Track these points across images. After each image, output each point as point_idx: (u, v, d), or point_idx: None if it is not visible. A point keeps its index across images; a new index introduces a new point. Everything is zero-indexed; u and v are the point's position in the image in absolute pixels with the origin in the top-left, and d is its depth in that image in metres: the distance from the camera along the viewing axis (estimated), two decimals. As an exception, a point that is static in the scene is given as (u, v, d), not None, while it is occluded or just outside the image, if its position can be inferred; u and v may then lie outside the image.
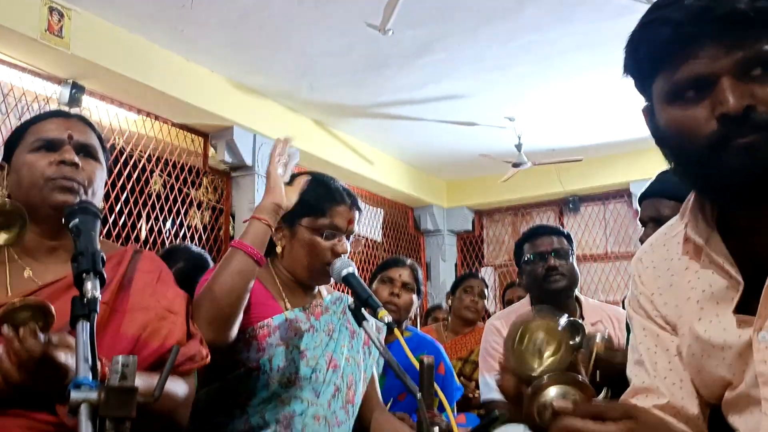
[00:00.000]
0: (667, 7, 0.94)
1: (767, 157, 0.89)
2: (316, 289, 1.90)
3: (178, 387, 1.38)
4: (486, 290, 3.98)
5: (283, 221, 1.76)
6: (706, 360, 1.00)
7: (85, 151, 1.44)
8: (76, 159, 1.40)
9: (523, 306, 2.60)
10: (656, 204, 1.90)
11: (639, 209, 2.01)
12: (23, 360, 1.07)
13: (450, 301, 4.10)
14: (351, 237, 1.83)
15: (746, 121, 0.89)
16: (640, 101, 1.05)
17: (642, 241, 1.82)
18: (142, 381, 1.22)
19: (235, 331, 1.59)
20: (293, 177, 1.79)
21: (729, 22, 0.90)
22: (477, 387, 3.20)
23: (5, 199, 1.35)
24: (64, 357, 1.10)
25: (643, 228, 1.95)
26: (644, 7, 0.98)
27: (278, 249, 1.81)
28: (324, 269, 1.76)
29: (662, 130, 0.99)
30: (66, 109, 4.00)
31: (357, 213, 1.84)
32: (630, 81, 1.05)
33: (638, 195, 2.05)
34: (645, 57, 0.98)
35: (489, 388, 2.45)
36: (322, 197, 1.79)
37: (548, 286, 2.41)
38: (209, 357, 1.47)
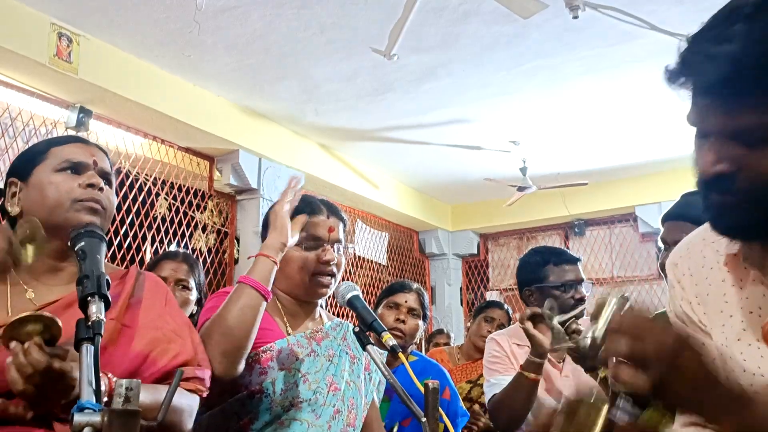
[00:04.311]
0: None
1: None
2: (318, 314, 1.92)
3: (182, 399, 1.39)
4: (507, 324, 3.79)
5: None
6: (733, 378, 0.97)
7: (105, 178, 1.49)
8: (102, 183, 1.46)
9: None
10: (681, 227, 1.93)
11: (660, 229, 2.07)
12: (27, 373, 1.09)
13: (469, 323, 4.05)
14: (338, 245, 1.85)
15: None
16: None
17: (663, 265, 1.83)
18: (149, 394, 1.23)
19: (243, 364, 1.61)
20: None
21: None
22: (484, 412, 3.17)
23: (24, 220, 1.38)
24: (70, 368, 1.11)
25: (664, 249, 1.98)
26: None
27: None
28: (316, 281, 1.80)
29: None
30: (73, 133, 4.04)
31: (338, 221, 1.88)
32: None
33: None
34: None
35: (493, 387, 2.48)
36: (298, 212, 1.81)
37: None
38: (208, 392, 1.49)
